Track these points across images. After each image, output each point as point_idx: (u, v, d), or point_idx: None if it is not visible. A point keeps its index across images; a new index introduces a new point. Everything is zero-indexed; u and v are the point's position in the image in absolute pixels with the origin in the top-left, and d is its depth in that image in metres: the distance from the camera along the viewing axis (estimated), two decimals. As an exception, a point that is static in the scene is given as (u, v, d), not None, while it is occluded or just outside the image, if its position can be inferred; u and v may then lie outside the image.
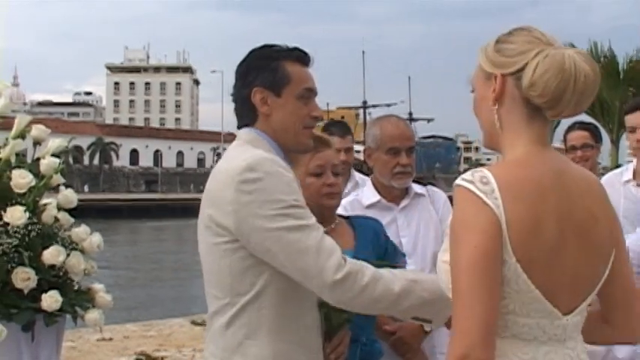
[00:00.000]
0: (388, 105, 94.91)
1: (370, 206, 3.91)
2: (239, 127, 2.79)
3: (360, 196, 4.01)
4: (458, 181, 1.98)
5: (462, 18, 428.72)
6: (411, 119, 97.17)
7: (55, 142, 2.84)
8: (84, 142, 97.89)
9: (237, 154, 2.62)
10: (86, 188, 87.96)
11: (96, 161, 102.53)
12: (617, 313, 2.17)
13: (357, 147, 6.90)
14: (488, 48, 2.12)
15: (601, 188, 2.14)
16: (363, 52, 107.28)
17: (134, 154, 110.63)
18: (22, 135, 2.80)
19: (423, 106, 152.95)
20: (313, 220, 2.52)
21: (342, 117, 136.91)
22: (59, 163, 2.76)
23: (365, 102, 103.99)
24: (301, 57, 2.80)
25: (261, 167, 2.51)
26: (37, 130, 2.84)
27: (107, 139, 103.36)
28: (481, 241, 1.89)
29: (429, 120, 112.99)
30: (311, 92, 2.78)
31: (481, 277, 1.88)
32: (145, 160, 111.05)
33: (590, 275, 2.05)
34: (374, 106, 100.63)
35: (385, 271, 2.54)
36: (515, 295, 1.95)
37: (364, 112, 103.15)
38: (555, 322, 2.00)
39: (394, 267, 3.09)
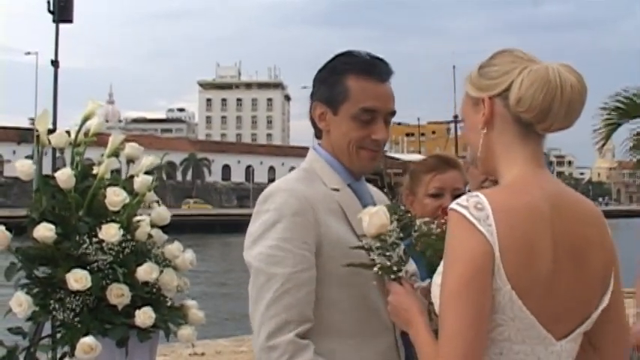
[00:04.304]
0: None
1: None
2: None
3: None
4: (452, 205, 1.93)
5: (555, 31, 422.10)
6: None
7: (148, 160, 2.87)
8: (177, 158, 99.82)
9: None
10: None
11: (189, 177, 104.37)
12: (607, 345, 2.09)
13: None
14: (472, 75, 2.10)
15: (600, 215, 2.06)
16: (454, 66, 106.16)
17: (226, 170, 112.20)
18: (115, 153, 2.84)
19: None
20: (290, 269, 2.30)
21: (433, 132, 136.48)
22: (152, 181, 2.78)
23: (456, 116, 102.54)
24: (369, 70, 2.50)
25: (271, 199, 2.42)
26: (131, 148, 2.87)
27: (199, 155, 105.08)
28: (466, 271, 1.83)
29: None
30: (373, 113, 2.48)
31: (464, 307, 1.82)
32: (237, 176, 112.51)
33: (584, 301, 1.98)
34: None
35: None
36: (510, 322, 1.88)
37: (455, 127, 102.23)
38: (549, 348, 1.93)
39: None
